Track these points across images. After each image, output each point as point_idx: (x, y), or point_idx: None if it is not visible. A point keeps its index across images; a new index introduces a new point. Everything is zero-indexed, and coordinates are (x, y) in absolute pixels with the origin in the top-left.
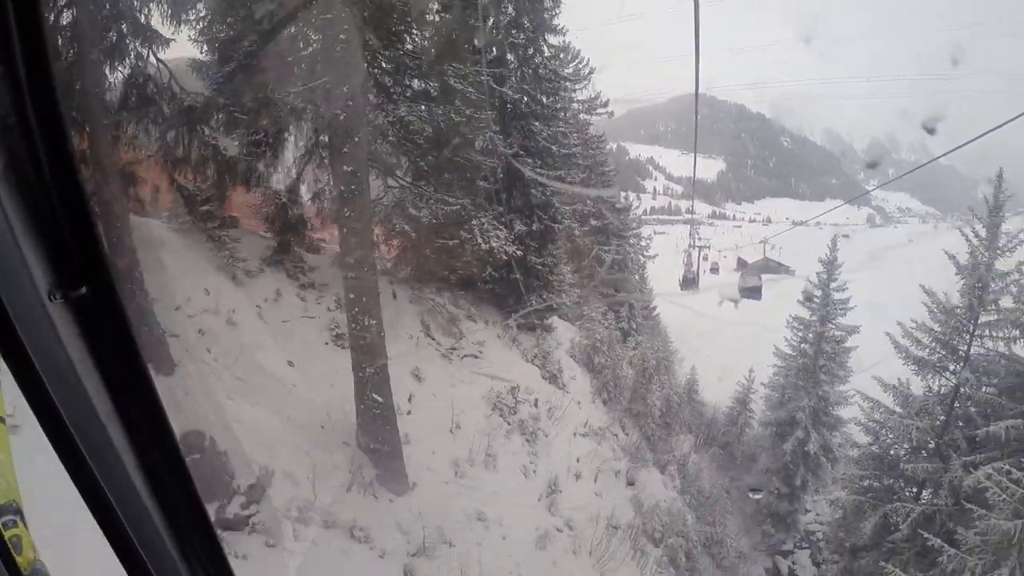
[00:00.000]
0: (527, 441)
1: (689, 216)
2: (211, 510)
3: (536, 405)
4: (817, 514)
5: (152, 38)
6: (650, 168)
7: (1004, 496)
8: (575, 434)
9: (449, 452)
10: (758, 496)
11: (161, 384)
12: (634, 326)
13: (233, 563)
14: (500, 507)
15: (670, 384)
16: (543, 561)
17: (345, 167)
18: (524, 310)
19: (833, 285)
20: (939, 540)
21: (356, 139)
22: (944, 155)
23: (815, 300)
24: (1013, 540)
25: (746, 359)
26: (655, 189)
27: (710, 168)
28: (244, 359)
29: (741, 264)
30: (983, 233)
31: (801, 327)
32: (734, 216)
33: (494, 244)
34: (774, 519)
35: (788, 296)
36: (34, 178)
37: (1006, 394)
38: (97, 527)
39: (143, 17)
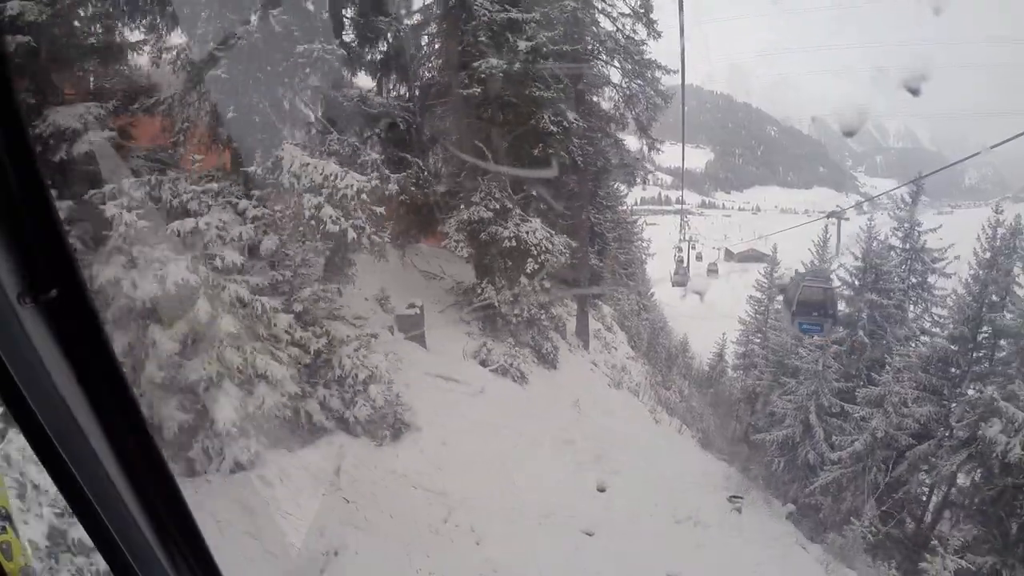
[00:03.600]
0: (608, 352)
1: (679, 206)
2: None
3: (606, 338)
4: None
5: None
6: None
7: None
8: (625, 356)
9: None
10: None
11: None
12: (641, 305)
13: (217, 559)
14: (612, 362)
15: (669, 343)
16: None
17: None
18: (590, 294)
19: (776, 275)
20: None
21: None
22: (949, 166)
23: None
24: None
25: (721, 327)
26: (645, 179)
27: (699, 158)
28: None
29: (728, 254)
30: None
31: (755, 302)
32: (723, 205)
33: (593, 262)
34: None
35: None
36: None
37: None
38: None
39: None
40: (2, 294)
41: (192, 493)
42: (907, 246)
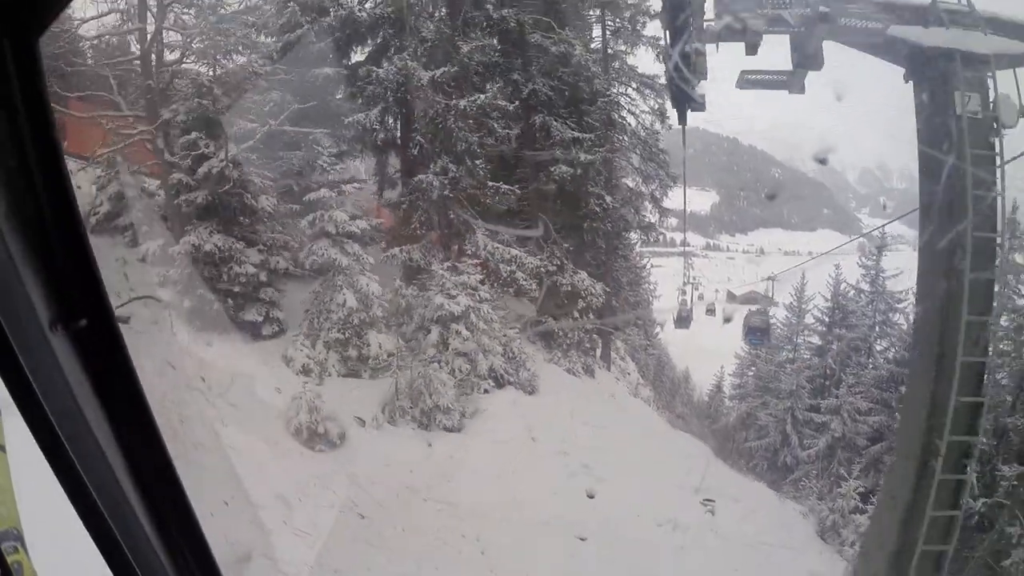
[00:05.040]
0: (624, 376)
1: (683, 248)
2: None
3: (620, 366)
4: None
5: None
6: (645, 201)
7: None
8: (636, 382)
9: (617, 367)
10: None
11: None
12: (648, 341)
13: None
14: (629, 381)
15: (673, 374)
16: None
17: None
18: (611, 328)
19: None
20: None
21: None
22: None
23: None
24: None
25: (720, 362)
26: (657, 239)
27: (704, 200)
28: None
29: (731, 296)
30: None
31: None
32: (727, 248)
33: (613, 301)
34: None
35: None
36: (35, 217)
37: (814, 355)
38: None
39: None
40: (35, 321)
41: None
42: (872, 289)
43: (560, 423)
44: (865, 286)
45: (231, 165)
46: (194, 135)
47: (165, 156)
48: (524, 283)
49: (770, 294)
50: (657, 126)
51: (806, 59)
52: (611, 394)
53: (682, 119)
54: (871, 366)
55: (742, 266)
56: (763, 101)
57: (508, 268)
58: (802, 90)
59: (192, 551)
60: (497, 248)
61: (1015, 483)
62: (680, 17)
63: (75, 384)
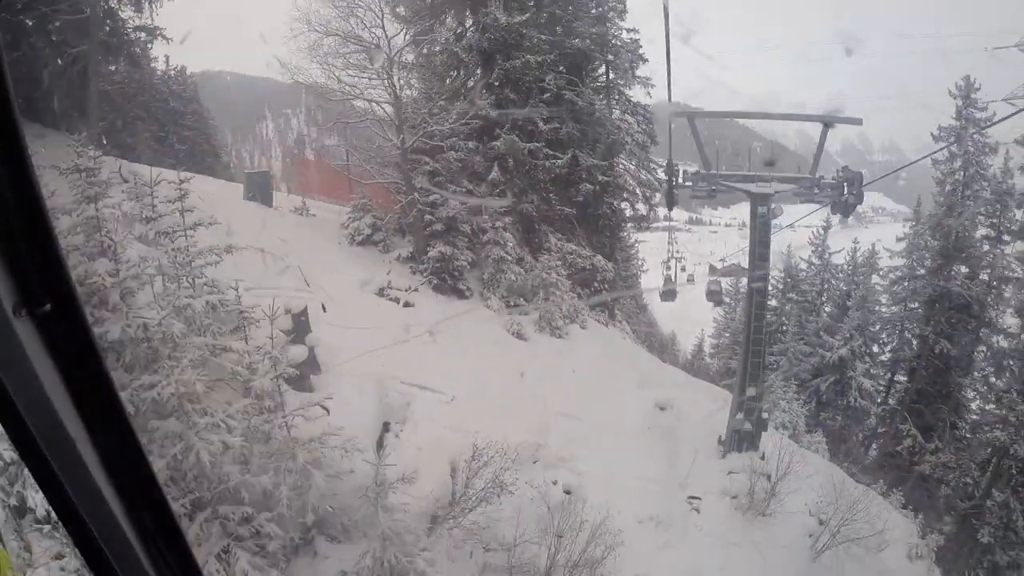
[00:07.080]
0: (627, 333)
1: (667, 223)
2: None
3: (619, 326)
4: None
5: None
6: (627, 177)
7: None
8: (635, 337)
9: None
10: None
11: None
12: (639, 308)
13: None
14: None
15: (661, 336)
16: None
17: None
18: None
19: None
20: None
21: None
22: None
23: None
24: None
25: (700, 327)
26: (642, 215)
27: (686, 175)
28: None
29: (712, 269)
30: None
31: (727, 306)
32: (710, 221)
33: (615, 279)
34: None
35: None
36: None
37: (772, 314)
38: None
39: None
40: None
41: (563, 325)
42: (820, 262)
43: (608, 342)
44: (815, 260)
45: (457, 209)
46: (434, 196)
47: (417, 205)
48: (581, 265)
49: (744, 266)
50: (647, 141)
51: (710, 196)
52: (623, 337)
53: (669, 208)
54: (816, 322)
55: (724, 239)
56: (743, 75)
57: (571, 257)
58: (711, 200)
59: (160, 527)
60: (563, 244)
61: (903, 394)
62: (673, 178)
63: (40, 368)
